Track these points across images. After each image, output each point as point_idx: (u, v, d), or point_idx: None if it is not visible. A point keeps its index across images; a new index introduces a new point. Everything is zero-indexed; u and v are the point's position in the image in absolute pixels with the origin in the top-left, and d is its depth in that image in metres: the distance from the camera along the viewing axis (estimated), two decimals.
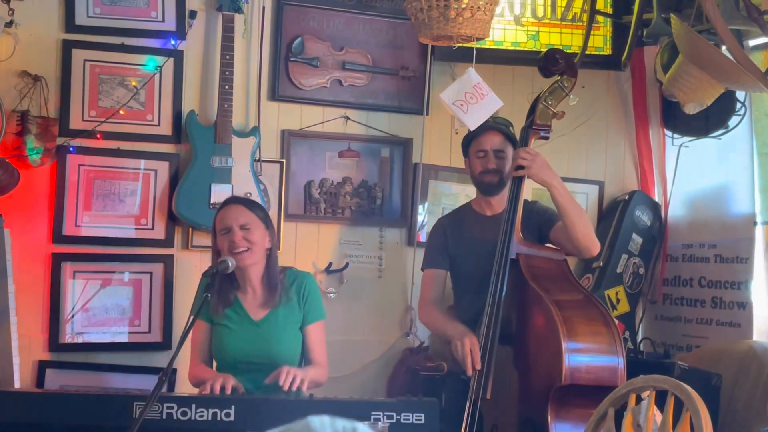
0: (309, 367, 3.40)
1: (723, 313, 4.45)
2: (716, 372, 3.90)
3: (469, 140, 3.83)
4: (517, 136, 3.75)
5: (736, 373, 3.99)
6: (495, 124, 3.78)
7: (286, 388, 3.14)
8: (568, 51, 4.46)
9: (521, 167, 3.51)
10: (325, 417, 1.05)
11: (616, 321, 4.54)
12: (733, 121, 4.42)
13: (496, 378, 3.36)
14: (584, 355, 3.25)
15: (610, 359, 3.28)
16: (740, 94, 4.35)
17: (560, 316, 3.25)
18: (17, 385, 3.65)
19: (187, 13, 4.18)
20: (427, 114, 4.55)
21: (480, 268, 3.59)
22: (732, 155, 4.51)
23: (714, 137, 4.51)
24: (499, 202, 3.78)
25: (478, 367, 3.37)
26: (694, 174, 4.73)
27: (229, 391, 3.13)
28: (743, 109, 4.38)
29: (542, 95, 3.62)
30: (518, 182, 3.54)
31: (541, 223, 3.74)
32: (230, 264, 3.24)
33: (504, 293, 3.42)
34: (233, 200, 3.52)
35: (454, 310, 3.88)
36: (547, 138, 3.66)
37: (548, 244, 3.73)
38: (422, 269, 3.95)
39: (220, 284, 3.37)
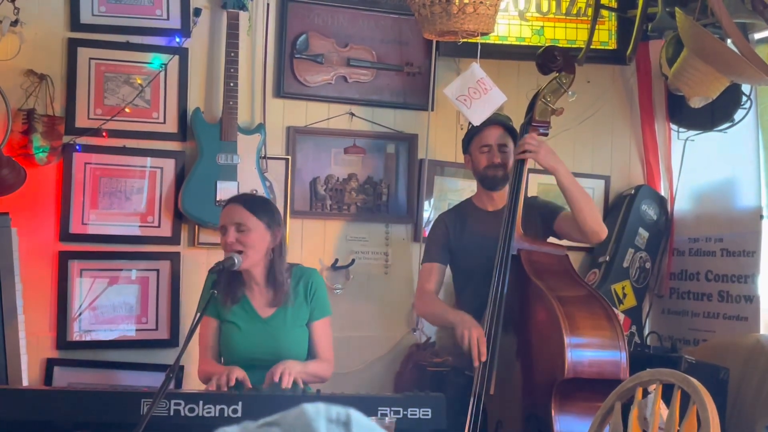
0: (311, 361, 3.39)
1: (730, 307, 4.45)
2: (723, 366, 3.90)
3: (472, 136, 3.83)
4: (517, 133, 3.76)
5: (744, 367, 3.99)
6: (497, 119, 3.79)
7: (284, 385, 3.13)
8: (573, 46, 4.48)
9: (527, 152, 3.51)
10: (320, 404, 1.06)
11: (623, 315, 4.56)
12: (739, 114, 4.41)
13: (500, 373, 3.37)
14: (587, 350, 3.26)
15: (613, 353, 3.29)
16: (746, 88, 4.34)
17: (562, 311, 3.26)
18: (25, 383, 3.66)
19: (191, 10, 4.18)
20: (433, 110, 4.55)
21: (481, 264, 3.59)
22: (738, 149, 4.50)
23: (720, 131, 4.51)
24: (501, 197, 3.78)
25: (484, 358, 3.37)
26: (700, 168, 4.73)
27: (233, 382, 3.13)
28: (749, 102, 4.38)
29: (541, 92, 3.63)
30: (520, 173, 3.55)
31: (544, 216, 3.74)
32: (236, 261, 3.24)
33: (506, 289, 3.43)
34: (234, 199, 3.46)
35: (456, 307, 3.89)
36: (546, 134, 3.66)
37: (552, 238, 3.74)
38: (422, 263, 3.96)
39: (228, 280, 3.37)
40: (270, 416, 1.08)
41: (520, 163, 3.57)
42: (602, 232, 3.60)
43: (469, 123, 3.86)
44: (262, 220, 3.35)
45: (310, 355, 3.45)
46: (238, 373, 3.19)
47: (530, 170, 3.76)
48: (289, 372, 3.17)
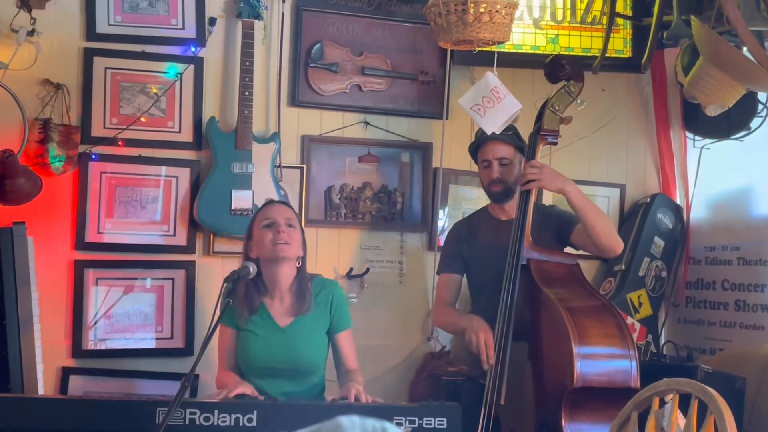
0: (355, 375, 3.40)
1: (746, 316, 4.43)
2: (740, 375, 3.87)
3: (475, 150, 3.86)
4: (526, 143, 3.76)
5: (761, 377, 3.96)
6: (494, 133, 3.80)
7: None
8: (588, 54, 4.47)
9: (531, 181, 3.52)
10: (355, 417, 1.05)
11: (639, 325, 4.54)
12: (755, 122, 4.40)
13: (511, 382, 3.37)
14: (596, 359, 3.27)
15: (623, 363, 3.29)
16: (762, 96, 4.32)
17: (571, 321, 3.26)
18: (41, 391, 3.68)
19: (206, 20, 4.19)
20: (447, 118, 4.55)
21: (495, 272, 3.60)
22: (754, 157, 4.49)
23: (736, 139, 4.49)
24: (513, 207, 3.80)
25: (491, 362, 3.38)
26: (716, 176, 4.71)
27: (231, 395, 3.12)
28: (765, 110, 4.36)
29: (549, 101, 3.64)
30: (527, 194, 3.55)
31: (560, 228, 3.75)
32: (251, 269, 3.25)
33: (515, 298, 3.43)
34: (275, 201, 3.61)
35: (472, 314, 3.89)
36: (555, 143, 3.68)
37: (567, 248, 3.74)
38: (437, 273, 3.99)
39: (246, 290, 3.38)
40: (305, 428, 1.07)
41: (526, 193, 3.56)
42: (617, 246, 3.64)
43: (478, 132, 3.87)
44: (300, 225, 3.50)
45: (340, 366, 3.50)
46: (248, 390, 3.18)
47: None
48: (361, 393, 3.15)
